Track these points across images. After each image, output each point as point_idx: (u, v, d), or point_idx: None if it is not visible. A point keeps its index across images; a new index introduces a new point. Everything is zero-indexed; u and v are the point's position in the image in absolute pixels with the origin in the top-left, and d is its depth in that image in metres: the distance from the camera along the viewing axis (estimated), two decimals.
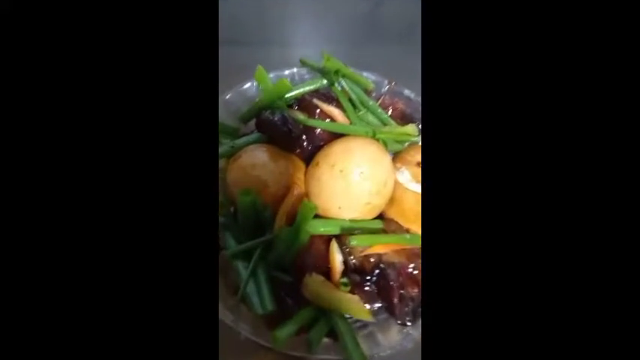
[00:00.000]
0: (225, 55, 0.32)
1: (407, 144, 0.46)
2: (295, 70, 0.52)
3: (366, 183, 0.37)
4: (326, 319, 0.36)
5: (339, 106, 0.45)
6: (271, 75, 0.50)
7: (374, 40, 0.84)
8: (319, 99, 0.44)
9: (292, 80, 0.51)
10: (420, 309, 0.36)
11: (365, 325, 0.38)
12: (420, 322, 0.36)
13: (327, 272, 0.37)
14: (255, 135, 0.46)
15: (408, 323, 0.36)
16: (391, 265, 0.35)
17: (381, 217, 0.42)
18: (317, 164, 0.39)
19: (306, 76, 0.52)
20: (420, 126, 0.47)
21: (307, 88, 0.46)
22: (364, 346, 0.34)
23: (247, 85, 0.51)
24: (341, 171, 0.37)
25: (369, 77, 0.51)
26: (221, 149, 0.44)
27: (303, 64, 0.50)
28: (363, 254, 0.37)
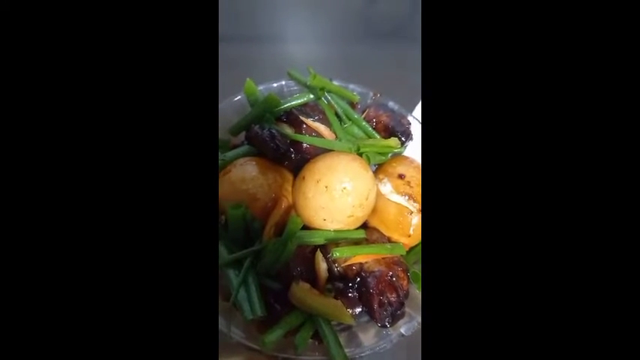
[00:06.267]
0: None
1: (390, 155, 0.49)
2: (284, 82, 0.54)
3: (349, 197, 0.39)
4: (311, 322, 0.39)
5: (325, 119, 0.48)
6: (261, 87, 0.52)
7: (367, 36, 0.85)
8: (306, 114, 0.46)
9: (282, 92, 0.53)
10: (399, 312, 0.40)
11: (348, 327, 0.41)
12: (398, 324, 0.39)
13: (313, 279, 0.40)
14: (245, 147, 0.48)
15: (387, 325, 0.39)
16: (371, 273, 0.38)
17: (365, 225, 0.45)
18: (303, 178, 0.42)
19: (295, 88, 0.54)
20: (403, 138, 0.50)
21: (295, 102, 0.48)
22: (346, 348, 0.38)
23: (238, 97, 0.53)
24: (326, 187, 0.39)
25: (354, 90, 0.53)
26: None
27: (290, 77, 0.52)
28: (346, 263, 0.40)
